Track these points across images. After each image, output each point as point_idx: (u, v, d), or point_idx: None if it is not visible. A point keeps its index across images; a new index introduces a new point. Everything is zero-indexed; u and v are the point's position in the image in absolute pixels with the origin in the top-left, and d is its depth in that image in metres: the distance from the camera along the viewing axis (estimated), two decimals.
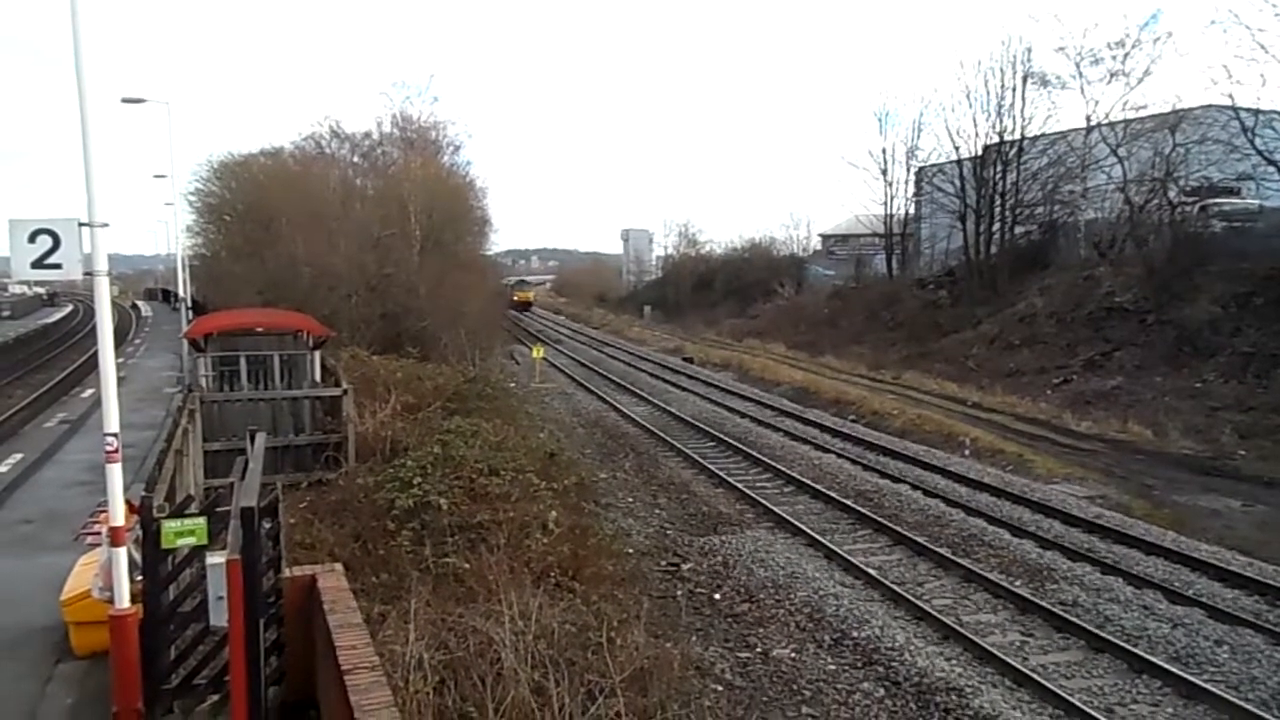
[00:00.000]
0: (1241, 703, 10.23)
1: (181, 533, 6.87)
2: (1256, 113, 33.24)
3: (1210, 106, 36.65)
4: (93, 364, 21.59)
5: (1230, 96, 33.60)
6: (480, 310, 40.57)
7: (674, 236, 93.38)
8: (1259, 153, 32.94)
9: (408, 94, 74.18)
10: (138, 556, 7.25)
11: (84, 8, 6.87)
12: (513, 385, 32.34)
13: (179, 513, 7.11)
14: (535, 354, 37.81)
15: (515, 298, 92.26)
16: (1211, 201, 36.68)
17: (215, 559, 6.16)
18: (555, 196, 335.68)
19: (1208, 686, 10.58)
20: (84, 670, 8.08)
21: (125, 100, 32.18)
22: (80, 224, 7.10)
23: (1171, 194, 37.33)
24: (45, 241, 7.06)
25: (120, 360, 29.84)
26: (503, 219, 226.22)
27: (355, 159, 48.10)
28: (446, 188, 43.72)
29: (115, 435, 7.33)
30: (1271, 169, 32.73)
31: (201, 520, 6.95)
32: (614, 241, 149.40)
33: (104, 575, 7.40)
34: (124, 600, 7.07)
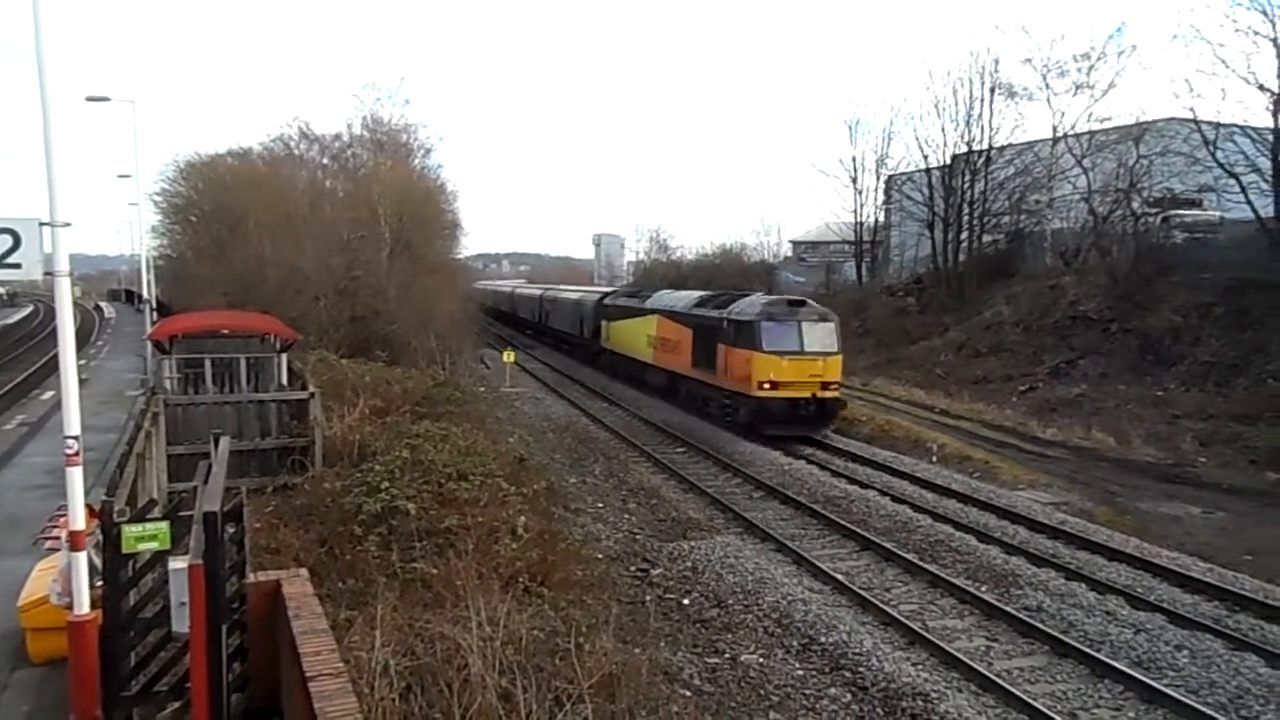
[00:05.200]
0: (1201, 706, 10.39)
1: (143, 537, 6.77)
2: (1217, 126, 33.89)
3: (1173, 119, 37.35)
4: (53, 366, 21.23)
5: (1192, 110, 34.33)
6: (450, 314, 40.32)
7: (646, 242, 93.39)
8: (1220, 165, 33.59)
9: (378, 96, 73.38)
10: (98, 561, 7.15)
11: (46, 4, 6.77)
12: (483, 390, 32.20)
13: (140, 517, 7.00)
14: (506, 358, 37.70)
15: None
16: (1174, 213, 37.40)
17: (177, 564, 6.09)
18: (526, 200, 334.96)
19: (1168, 691, 10.75)
20: (41, 677, 7.95)
21: (89, 99, 31.79)
22: (41, 223, 7.01)
23: (1135, 205, 38.02)
24: (5, 241, 6.96)
25: (82, 362, 29.36)
26: (473, 223, 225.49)
27: (325, 161, 47.66)
28: (417, 191, 43.40)
29: (76, 438, 7.23)
30: (1232, 181, 33.36)
31: (164, 525, 6.85)
32: (585, 246, 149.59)
33: (63, 580, 7.29)
34: (83, 606, 6.97)
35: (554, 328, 51.66)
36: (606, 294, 43.35)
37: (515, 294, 66.46)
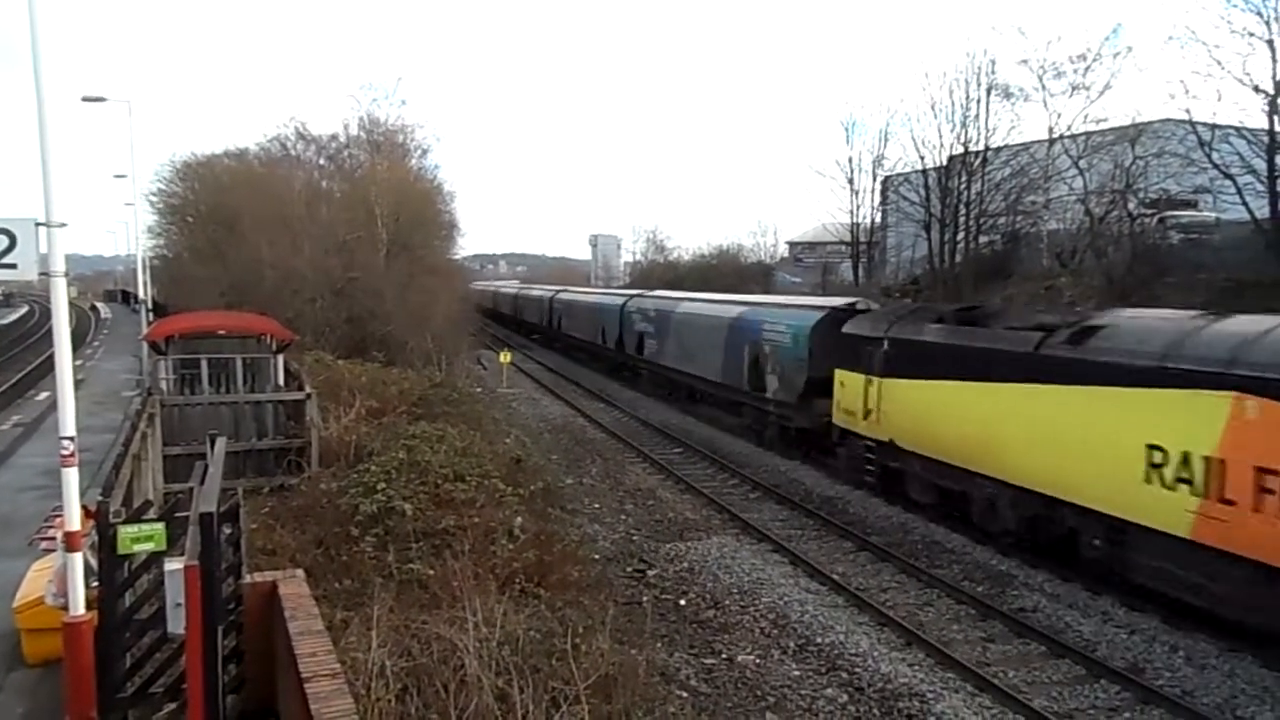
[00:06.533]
0: (1196, 708, 10.41)
1: (139, 538, 6.77)
2: (1213, 127, 33.88)
3: (1168, 120, 37.33)
4: (49, 366, 21.20)
5: (1188, 111, 34.22)
6: (447, 314, 40.29)
7: (642, 243, 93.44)
8: (1215, 166, 33.57)
9: (375, 97, 73.03)
10: (94, 562, 7.14)
11: (42, 4, 6.77)
12: (479, 390, 32.17)
13: (136, 518, 7.00)
14: (503, 359, 37.70)
15: None
16: (1169, 214, 37.37)
17: (173, 565, 6.09)
18: (523, 201, 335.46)
19: (1163, 692, 10.76)
20: (36, 679, 7.94)
21: (85, 99, 31.70)
22: (37, 224, 7.01)
23: (1131, 206, 37.98)
24: (0, 241, 6.95)
25: (78, 363, 29.35)
26: (470, 223, 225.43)
27: (321, 161, 47.45)
28: (414, 191, 43.35)
29: (71, 439, 7.22)
30: (1228, 182, 33.38)
31: (160, 525, 6.85)
32: (582, 247, 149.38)
33: (58, 581, 7.28)
34: (79, 607, 6.96)
35: (666, 366, 32.82)
36: (840, 310, 22.85)
37: (557, 300, 47.27)
